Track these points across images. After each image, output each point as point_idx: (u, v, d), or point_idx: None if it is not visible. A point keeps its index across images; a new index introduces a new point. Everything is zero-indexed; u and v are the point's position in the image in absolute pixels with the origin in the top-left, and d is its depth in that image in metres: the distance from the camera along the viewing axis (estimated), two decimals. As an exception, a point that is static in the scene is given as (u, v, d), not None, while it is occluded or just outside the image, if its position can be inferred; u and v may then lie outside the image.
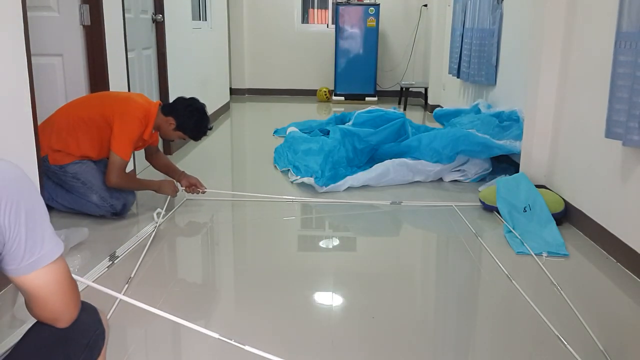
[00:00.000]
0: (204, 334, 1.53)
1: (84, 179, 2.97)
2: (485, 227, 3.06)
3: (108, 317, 1.96)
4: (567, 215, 3.09)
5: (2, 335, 1.89)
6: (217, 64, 6.53)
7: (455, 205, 3.36)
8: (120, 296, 1.54)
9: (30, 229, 1.00)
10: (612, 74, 2.51)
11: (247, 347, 1.55)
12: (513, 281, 2.39)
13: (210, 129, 3.23)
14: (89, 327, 1.16)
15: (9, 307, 2.13)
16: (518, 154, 3.71)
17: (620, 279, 2.47)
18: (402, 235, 3.11)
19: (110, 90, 3.33)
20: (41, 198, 1.06)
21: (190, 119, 3.10)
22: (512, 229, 2.93)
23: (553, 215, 2.99)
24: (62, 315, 1.09)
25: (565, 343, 1.92)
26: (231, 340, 1.54)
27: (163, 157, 3.47)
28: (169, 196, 3.23)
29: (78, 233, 2.72)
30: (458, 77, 5.87)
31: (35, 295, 1.05)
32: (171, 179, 3.30)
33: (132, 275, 2.38)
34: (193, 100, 3.17)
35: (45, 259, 1.03)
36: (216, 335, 1.53)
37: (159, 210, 3.08)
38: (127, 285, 2.29)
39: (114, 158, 2.93)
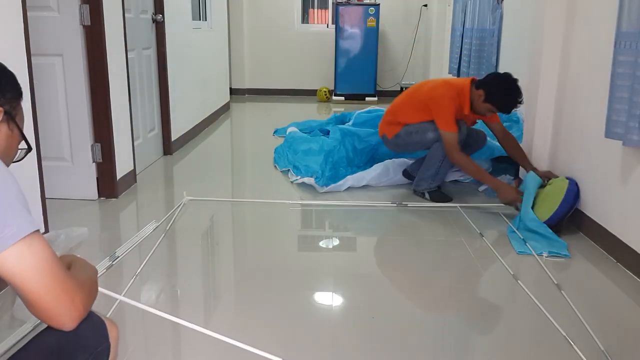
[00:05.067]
0: (204, 334, 1.53)
1: (414, 130, 3.43)
2: (486, 227, 3.06)
3: (107, 316, 1.96)
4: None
5: (2, 336, 1.89)
6: (217, 64, 6.53)
7: (460, 207, 3.36)
8: (121, 297, 1.54)
9: None
10: (612, 73, 2.51)
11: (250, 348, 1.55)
12: (519, 281, 2.39)
13: (521, 101, 3.21)
14: (90, 342, 1.07)
15: (8, 307, 2.13)
16: (518, 154, 3.70)
17: (620, 279, 2.46)
18: (402, 235, 3.11)
19: (110, 89, 3.33)
20: (10, 177, 1.00)
21: (499, 89, 3.20)
22: (515, 230, 2.93)
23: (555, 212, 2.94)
24: (57, 310, 1.00)
25: (572, 343, 1.92)
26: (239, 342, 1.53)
27: (511, 139, 3.45)
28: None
29: (78, 233, 2.72)
30: (458, 77, 5.87)
31: (13, 283, 0.97)
32: (514, 187, 3.21)
33: (137, 272, 2.39)
34: (504, 73, 3.30)
35: (11, 238, 0.95)
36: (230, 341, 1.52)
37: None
38: (132, 280, 2.29)
39: (443, 134, 3.30)
